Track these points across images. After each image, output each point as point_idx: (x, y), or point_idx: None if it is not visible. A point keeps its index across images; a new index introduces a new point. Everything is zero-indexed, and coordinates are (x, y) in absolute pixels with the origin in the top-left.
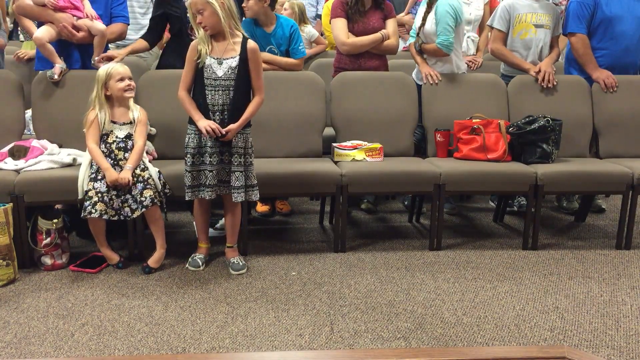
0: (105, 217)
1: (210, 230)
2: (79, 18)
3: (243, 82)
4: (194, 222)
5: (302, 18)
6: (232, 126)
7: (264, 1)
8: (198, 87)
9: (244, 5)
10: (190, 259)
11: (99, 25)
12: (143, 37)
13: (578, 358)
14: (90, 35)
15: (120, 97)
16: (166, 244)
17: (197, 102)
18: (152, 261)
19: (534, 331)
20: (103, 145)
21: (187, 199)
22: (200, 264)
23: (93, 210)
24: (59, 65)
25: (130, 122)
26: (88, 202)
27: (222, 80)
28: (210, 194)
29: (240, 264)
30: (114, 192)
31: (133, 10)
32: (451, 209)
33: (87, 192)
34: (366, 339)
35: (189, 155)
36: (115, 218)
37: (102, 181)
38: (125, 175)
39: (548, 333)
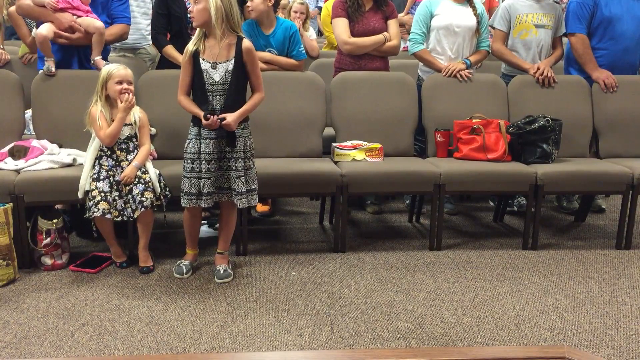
0: (108, 216)
1: (211, 230)
2: (79, 17)
3: (238, 84)
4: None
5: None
6: (228, 115)
7: (268, 0)
8: (199, 92)
9: (247, 5)
10: (175, 266)
11: (97, 23)
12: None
13: (578, 358)
14: (87, 36)
15: (116, 99)
16: (164, 244)
17: (201, 107)
18: (141, 262)
19: (534, 331)
20: (104, 145)
21: (182, 204)
22: (185, 271)
23: (96, 210)
24: (53, 59)
25: (131, 124)
26: (91, 202)
27: (220, 84)
28: (209, 202)
29: (228, 271)
30: (117, 193)
31: (132, 10)
32: (451, 209)
33: (89, 192)
34: (366, 339)
35: (188, 161)
36: (119, 219)
37: (105, 181)
38: (131, 171)
39: (548, 333)
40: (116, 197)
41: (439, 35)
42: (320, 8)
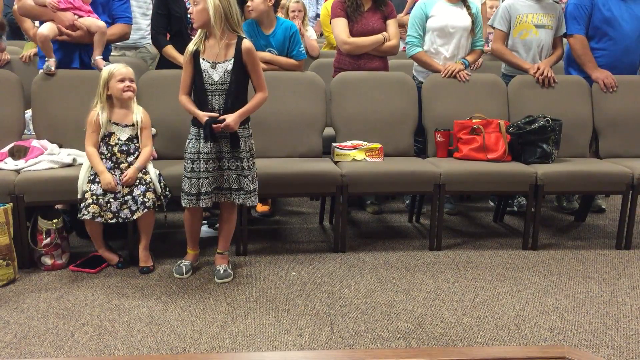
0: (98, 219)
1: (211, 230)
2: (80, 17)
3: (238, 84)
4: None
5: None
6: (228, 116)
7: (269, 0)
8: (199, 92)
9: (247, 5)
10: (175, 266)
11: (98, 22)
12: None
13: (578, 358)
14: (89, 35)
15: (119, 97)
16: (164, 244)
17: (200, 107)
18: (142, 262)
19: (534, 331)
20: (104, 147)
21: (183, 204)
22: (185, 271)
23: (86, 212)
24: (53, 59)
25: (133, 125)
26: (83, 204)
27: (219, 84)
28: (207, 202)
29: (228, 271)
30: (112, 195)
31: (132, 10)
32: (451, 209)
33: (84, 193)
34: (366, 339)
35: (188, 161)
36: (113, 221)
37: (99, 184)
38: (132, 173)
39: (548, 333)
40: (110, 200)
41: (434, 37)
42: (318, 15)
